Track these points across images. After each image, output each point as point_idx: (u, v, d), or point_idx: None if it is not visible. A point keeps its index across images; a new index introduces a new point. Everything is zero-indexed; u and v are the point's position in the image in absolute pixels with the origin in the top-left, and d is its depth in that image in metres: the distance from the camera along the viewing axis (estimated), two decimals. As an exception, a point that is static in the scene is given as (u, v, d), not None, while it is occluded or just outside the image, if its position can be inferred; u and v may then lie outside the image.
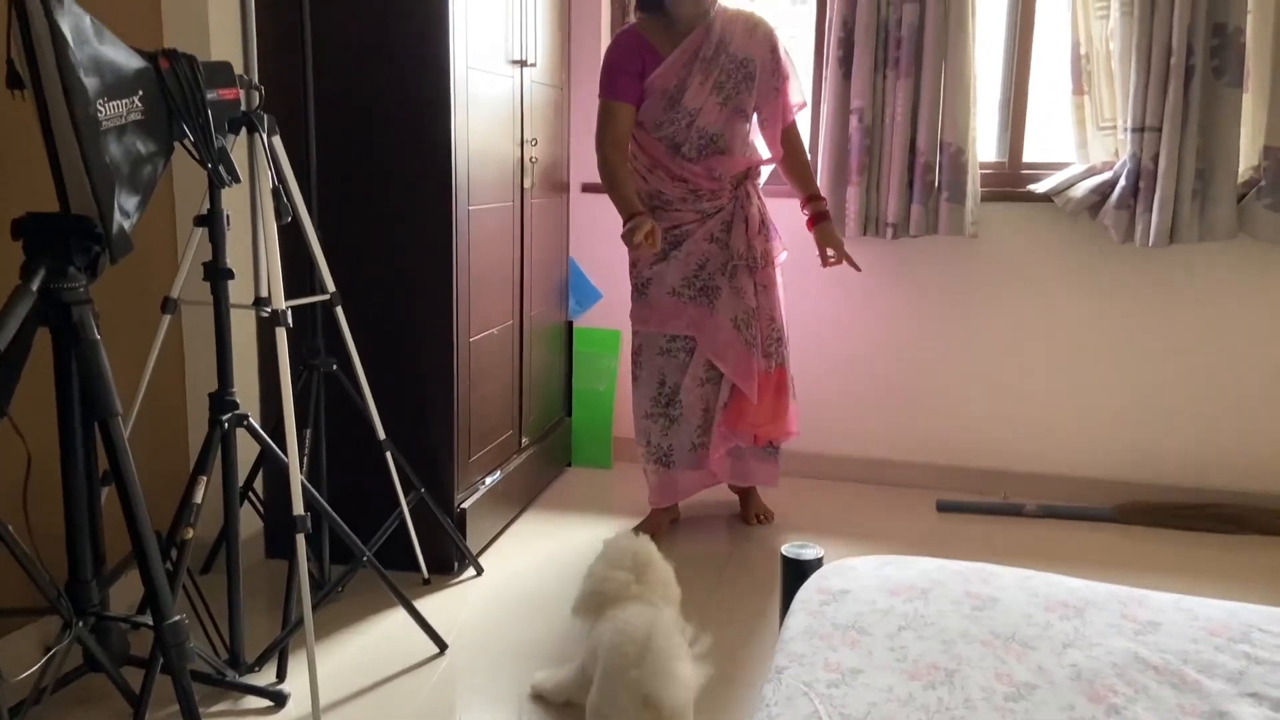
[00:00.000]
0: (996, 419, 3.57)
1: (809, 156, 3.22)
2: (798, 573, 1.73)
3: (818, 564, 1.74)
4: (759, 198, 3.09)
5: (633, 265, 3.09)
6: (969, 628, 1.46)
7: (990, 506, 3.44)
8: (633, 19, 3.06)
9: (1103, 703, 1.29)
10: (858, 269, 3.16)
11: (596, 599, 2.02)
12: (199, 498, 2.12)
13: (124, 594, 2.38)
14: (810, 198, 3.13)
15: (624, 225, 2.88)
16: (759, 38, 2.97)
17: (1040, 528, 3.30)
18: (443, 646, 2.43)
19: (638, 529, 3.14)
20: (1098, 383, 3.47)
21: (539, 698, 2.21)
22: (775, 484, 3.27)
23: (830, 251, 3.10)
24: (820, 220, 3.11)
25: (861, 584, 1.59)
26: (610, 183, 2.95)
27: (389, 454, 2.62)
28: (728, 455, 3.16)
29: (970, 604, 1.53)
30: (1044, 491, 3.53)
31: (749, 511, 3.30)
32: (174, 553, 2.13)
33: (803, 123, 3.22)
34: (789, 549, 1.78)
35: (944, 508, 3.45)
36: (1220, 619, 1.47)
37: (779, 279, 3.12)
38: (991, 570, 1.65)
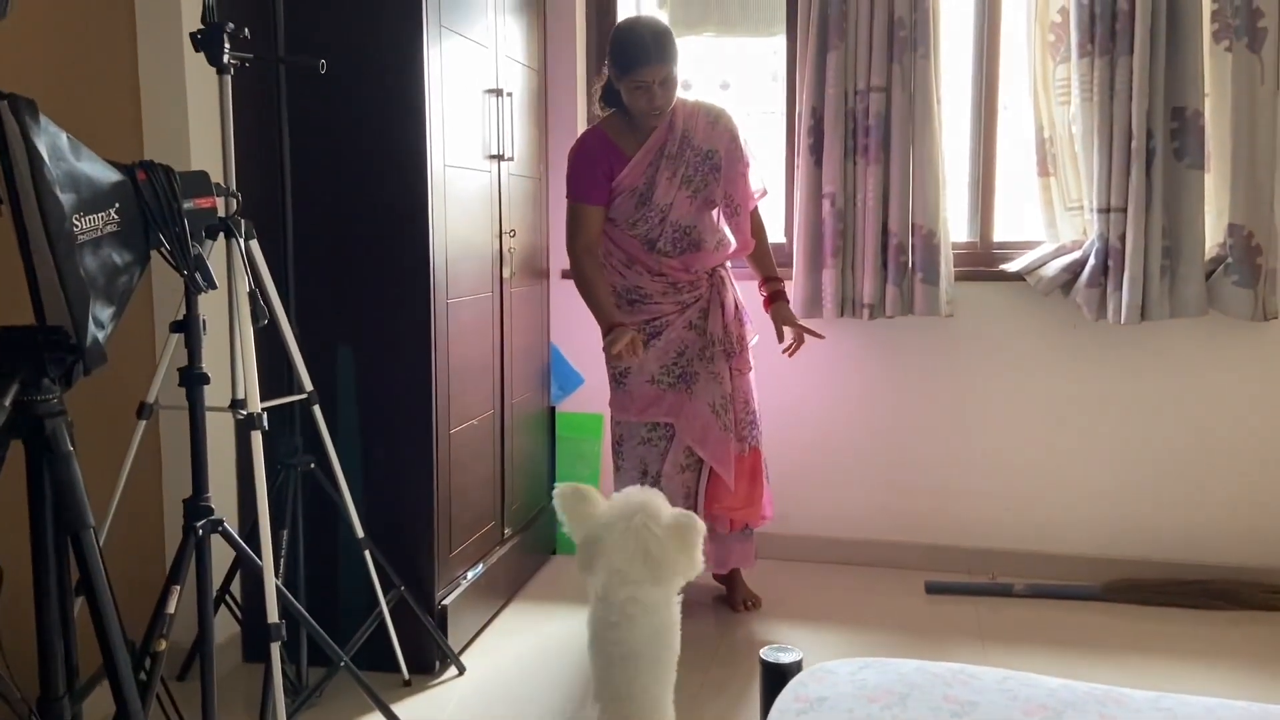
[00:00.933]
0: (981, 497, 3.57)
1: (784, 239, 3.28)
2: (776, 676, 1.71)
3: (797, 667, 1.73)
4: (732, 283, 3.14)
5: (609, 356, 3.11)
6: (949, 735, 1.44)
7: (979, 588, 3.42)
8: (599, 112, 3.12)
9: (1084, 815, 1.27)
10: (820, 337, 3.19)
11: (590, 547, 2.06)
12: (172, 608, 2.09)
13: (99, 706, 2.33)
14: (767, 279, 3.19)
15: (604, 336, 2.95)
16: (720, 129, 3.04)
17: (1029, 608, 3.27)
18: (423, 751, 2.39)
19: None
20: (1079, 459, 3.48)
21: None
22: (752, 564, 3.26)
23: (788, 334, 3.14)
24: (776, 300, 3.17)
25: (839, 691, 1.57)
26: (585, 291, 3.00)
27: (367, 552, 2.60)
28: (708, 542, 3.14)
29: (949, 709, 1.51)
30: (1032, 569, 3.51)
31: (735, 598, 3.27)
32: (148, 663, 2.09)
33: (777, 207, 3.29)
34: (767, 652, 1.76)
35: (933, 589, 3.43)
36: (1198, 718, 1.46)
37: (751, 363, 3.15)
38: (971, 672, 1.63)
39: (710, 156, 3.02)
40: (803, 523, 3.67)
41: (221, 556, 2.38)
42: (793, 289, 3.48)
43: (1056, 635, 3.05)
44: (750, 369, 3.15)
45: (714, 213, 3.06)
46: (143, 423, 2.32)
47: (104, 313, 1.97)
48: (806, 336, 3.15)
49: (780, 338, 3.17)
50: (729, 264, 3.19)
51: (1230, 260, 3.18)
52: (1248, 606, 3.23)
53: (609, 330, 2.95)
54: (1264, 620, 3.14)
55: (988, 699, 1.53)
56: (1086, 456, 3.48)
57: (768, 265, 3.21)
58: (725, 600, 3.30)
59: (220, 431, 2.73)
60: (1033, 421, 3.51)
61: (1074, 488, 3.50)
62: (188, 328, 2.15)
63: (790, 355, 3.19)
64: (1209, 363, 3.35)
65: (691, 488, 3.09)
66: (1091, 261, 3.25)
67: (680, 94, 3.02)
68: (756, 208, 3.17)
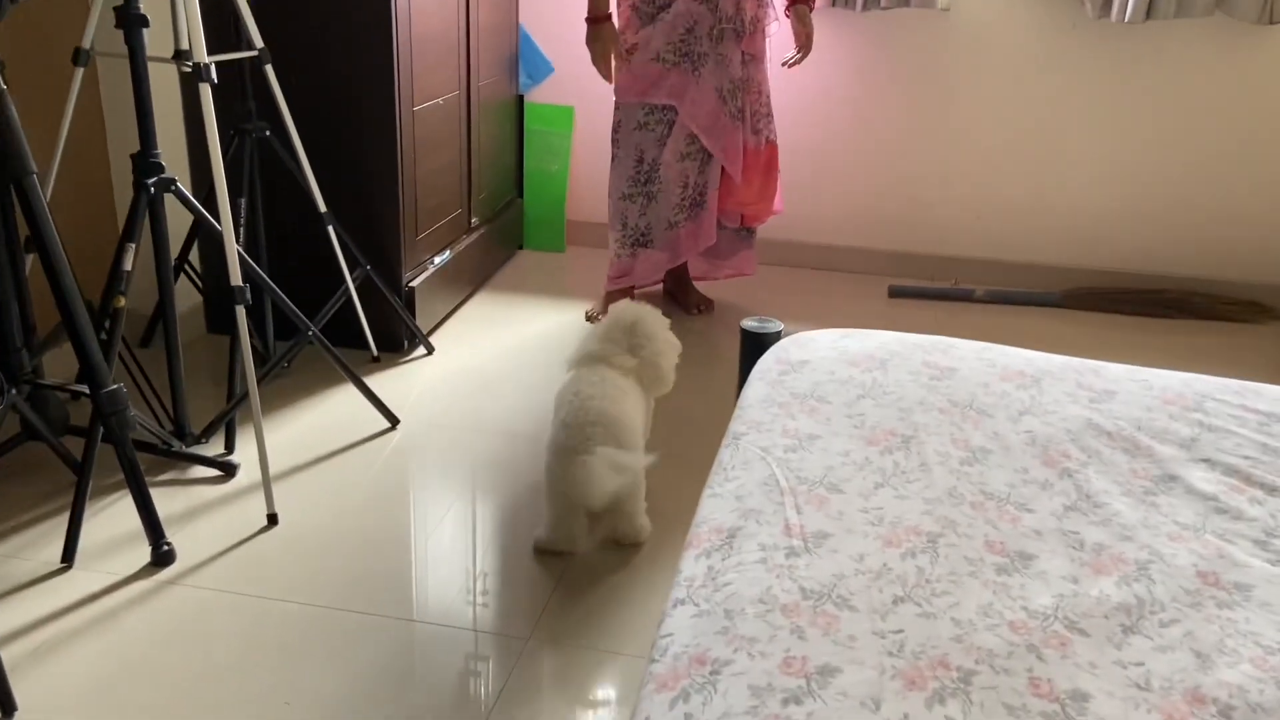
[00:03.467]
0: (952, 204, 3.53)
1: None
2: (757, 346, 1.70)
3: (777, 337, 1.72)
4: None
5: (620, 32, 2.90)
6: (926, 396, 1.46)
7: (940, 292, 3.45)
8: None
9: (1056, 467, 1.30)
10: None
11: (583, 358, 2.00)
12: (128, 264, 2.01)
13: (63, 369, 2.30)
14: None
15: (587, 26, 2.83)
16: None
17: (989, 313, 3.32)
18: (394, 421, 2.42)
19: (591, 315, 3.11)
20: (1059, 167, 3.42)
21: (544, 552, 1.99)
22: (753, 272, 3.22)
23: (795, 49, 2.96)
24: (800, 1, 2.94)
25: (821, 355, 1.57)
26: None
27: (331, 228, 2.51)
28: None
29: (928, 374, 1.52)
30: (995, 278, 3.54)
31: (689, 301, 3.23)
32: (107, 323, 2.04)
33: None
34: (749, 322, 1.74)
35: (895, 293, 3.45)
36: (1175, 389, 1.48)
37: (768, 51, 2.96)
38: (950, 343, 1.63)
39: None
40: (768, 224, 3.60)
41: (178, 227, 2.28)
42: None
43: (1014, 339, 3.04)
44: (765, 57, 2.96)
45: None
46: (80, 71, 2.13)
47: (22, -70, 1.75)
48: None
49: (798, 42, 2.97)
50: None
51: (1249, -44, 2.98)
52: (1205, 317, 3.30)
53: (592, 22, 2.83)
54: (1220, 330, 3.23)
55: (967, 366, 1.54)
56: (1066, 164, 3.41)
57: None
58: (677, 303, 3.27)
59: (164, 90, 2.54)
60: (1018, 127, 3.40)
61: (1048, 196, 3.46)
62: (120, -40, 1.93)
63: (789, 66, 3.01)
64: (1208, 67, 3.22)
65: (690, 178, 2.97)
66: (1104, -48, 3.03)
67: None
68: None
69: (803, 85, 3.45)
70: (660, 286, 3.31)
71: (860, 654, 0.98)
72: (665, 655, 1.01)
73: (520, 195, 3.73)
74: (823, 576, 1.09)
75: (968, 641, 0.99)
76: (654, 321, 2.06)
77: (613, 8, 2.87)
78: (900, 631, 1.01)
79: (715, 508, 1.25)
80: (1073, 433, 1.37)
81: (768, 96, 3.00)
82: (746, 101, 2.93)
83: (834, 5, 3.26)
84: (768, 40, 2.96)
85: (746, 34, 2.87)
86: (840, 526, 1.18)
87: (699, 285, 3.26)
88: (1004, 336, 3.06)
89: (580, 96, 3.59)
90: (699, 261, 3.18)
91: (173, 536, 1.92)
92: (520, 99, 3.64)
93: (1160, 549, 1.15)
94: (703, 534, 1.20)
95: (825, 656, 0.97)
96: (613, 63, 2.88)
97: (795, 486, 1.26)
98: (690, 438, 2.41)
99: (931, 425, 1.39)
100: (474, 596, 1.85)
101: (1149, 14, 3.03)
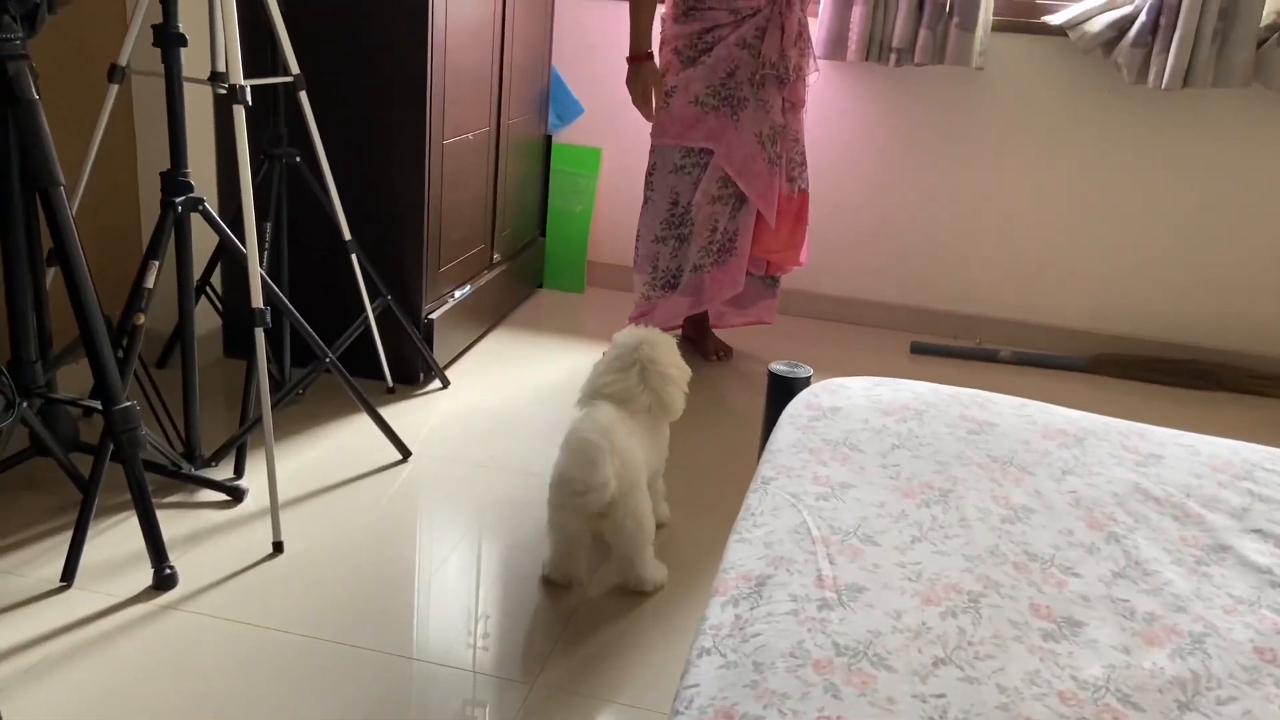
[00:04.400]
0: (980, 262, 3.49)
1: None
2: (785, 390, 1.65)
3: (806, 383, 1.67)
4: (801, 8, 2.86)
5: (661, 73, 2.90)
6: (965, 450, 1.41)
7: (964, 351, 3.40)
8: None
9: (1102, 530, 1.25)
10: None
11: (590, 394, 1.95)
12: (151, 282, 1.98)
13: (76, 384, 2.27)
14: None
15: (628, 65, 2.87)
16: None
17: (1014, 374, 3.27)
18: (406, 454, 2.37)
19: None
20: (1086, 230, 3.39)
21: (550, 582, 1.96)
22: (773, 320, 3.18)
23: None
24: None
25: (853, 402, 1.52)
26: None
27: (354, 256, 2.49)
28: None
29: (966, 427, 1.47)
30: (1020, 339, 3.49)
31: (707, 347, 3.19)
32: (125, 340, 2.01)
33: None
34: (778, 366, 1.70)
35: (918, 349, 3.40)
36: (1223, 456, 1.43)
37: (806, 100, 2.95)
38: (988, 396, 1.59)
39: None
40: (791, 274, 3.57)
41: (201, 248, 2.26)
42: (816, 27, 3.23)
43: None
44: (804, 105, 2.95)
45: None
46: (114, 87, 2.12)
47: (68, -57, 1.75)
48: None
49: None
50: None
51: (1288, 29, 2.97)
52: (1230, 389, 3.24)
53: (633, 60, 2.85)
54: (1245, 403, 3.17)
55: (1006, 421, 1.49)
56: (1096, 228, 3.38)
57: None
58: (696, 350, 3.22)
59: (198, 112, 2.54)
60: (1048, 188, 3.38)
61: (1076, 259, 3.42)
62: (163, -22, 1.93)
63: None
64: (1243, 138, 3.20)
65: (720, 223, 2.94)
66: (1142, 18, 3.02)
67: None
68: None
69: (834, 137, 3.44)
70: (679, 331, 3.27)
71: (900, 718, 0.92)
72: (690, 707, 0.95)
73: (543, 234, 3.71)
74: (858, 632, 1.03)
75: (1015, 711, 0.93)
76: (659, 345, 1.98)
77: (654, 47, 2.87)
78: (942, 696, 0.95)
79: (743, 554, 1.19)
80: (1119, 496, 1.32)
81: (803, 145, 2.99)
82: (784, 150, 2.92)
83: (867, 60, 3.26)
84: (807, 89, 2.95)
85: (789, 81, 2.86)
86: (875, 580, 1.13)
87: (716, 332, 3.23)
88: (1030, 399, 3.02)
89: (608, 139, 3.59)
90: (718, 306, 3.14)
91: (176, 560, 1.87)
92: (548, 138, 3.64)
93: (1215, 622, 1.09)
94: (730, 580, 1.15)
95: (863, 719, 0.91)
96: (653, 102, 2.88)
97: (828, 536, 1.20)
98: (707, 484, 2.36)
99: (970, 480, 1.33)
100: (475, 638, 1.78)
101: (1186, 81, 3.01)
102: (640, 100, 2.88)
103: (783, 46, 2.81)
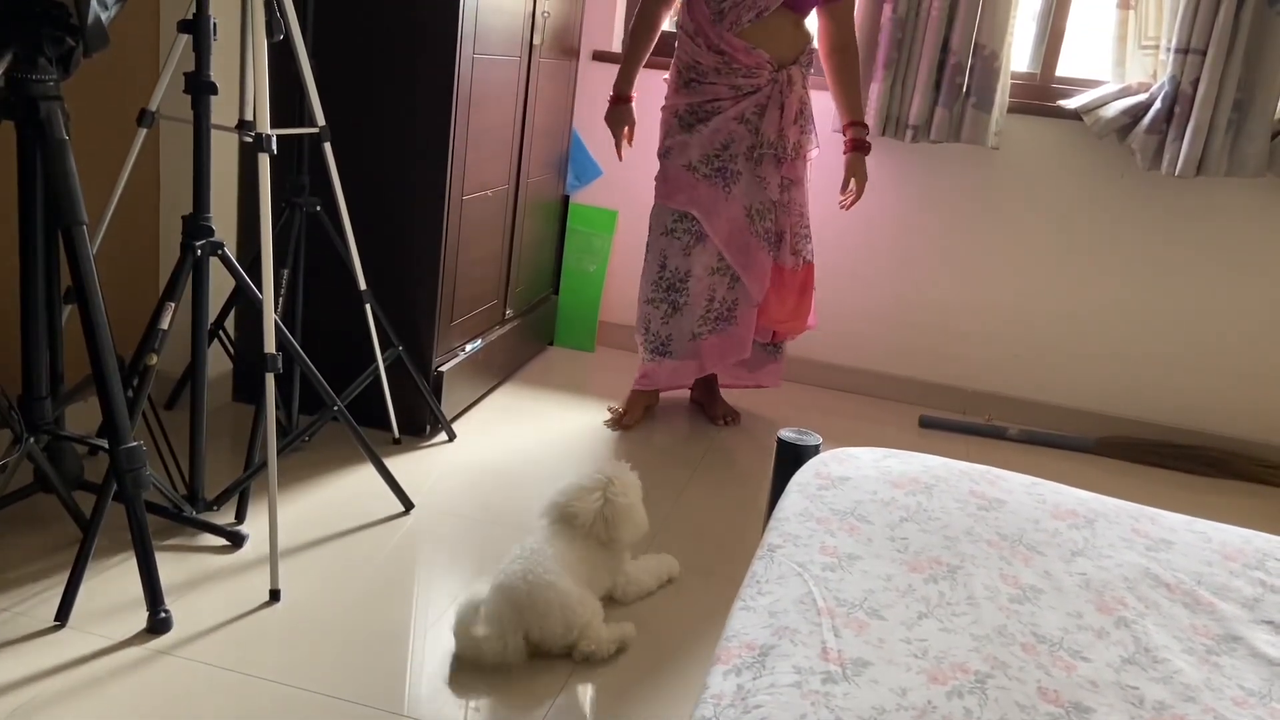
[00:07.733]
0: (988, 339, 3.50)
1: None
2: (794, 458, 1.64)
3: (815, 451, 1.66)
4: (804, 86, 2.91)
5: (662, 134, 2.96)
6: (974, 526, 1.39)
7: (973, 427, 3.38)
8: None
9: (1112, 614, 1.23)
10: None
11: (555, 510, 2.00)
12: (166, 324, 2.00)
13: (84, 421, 2.27)
14: (852, 123, 2.98)
15: (609, 107, 3.08)
16: None
17: (1020, 453, 3.25)
18: (409, 506, 2.36)
19: (613, 410, 3.07)
20: (1097, 312, 3.40)
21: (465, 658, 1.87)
22: (778, 384, 3.19)
23: (853, 185, 2.99)
24: (857, 149, 2.98)
25: (863, 473, 1.51)
26: (629, 43, 2.99)
27: (369, 306, 2.51)
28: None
29: (975, 503, 1.46)
30: (1027, 417, 3.48)
31: (715, 412, 3.19)
32: (135, 380, 2.02)
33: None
34: (786, 433, 1.69)
35: (926, 423, 3.39)
36: (1234, 544, 1.41)
37: (808, 175, 2.98)
38: (998, 473, 1.58)
39: None
40: (801, 344, 3.57)
41: (217, 293, 2.28)
42: (835, 101, 3.28)
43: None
44: (805, 180, 2.98)
45: (795, 12, 2.82)
46: (143, 131, 2.16)
47: (109, -10, 1.79)
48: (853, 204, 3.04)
49: (844, 186, 3.00)
50: (809, 67, 2.95)
51: (1301, 122, 3.00)
52: (1237, 476, 3.22)
53: (613, 101, 3.06)
54: (1252, 491, 3.14)
55: (1015, 499, 1.48)
56: (1107, 309, 3.39)
57: (853, 100, 2.95)
58: (704, 413, 3.23)
59: (222, 158, 2.58)
60: (1060, 269, 3.39)
61: (1087, 341, 3.42)
62: (197, 28, 1.97)
63: (846, 208, 3.04)
64: (1256, 226, 3.22)
65: (719, 293, 2.95)
66: (1156, 106, 3.06)
67: None
68: (848, 12, 2.91)
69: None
70: (688, 395, 3.28)
71: (903, 799, 0.89)
72: (689, 780, 0.93)
73: (556, 292, 3.73)
74: (862, 709, 1.01)
75: (1021, 796, 0.91)
76: (630, 486, 2.04)
77: (634, 91, 3.05)
78: (947, 778, 0.93)
79: (747, 622, 1.18)
80: (1129, 580, 1.30)
81: (808, 219, 3.01)
82: (787, 224, 2.94)
83: (884, 135, 3.30)
84: (809, 165, 2.99)
85: (788, 160, 2.90)
86: (881, 655, 1.11)
87: (723, 391, 3.23)
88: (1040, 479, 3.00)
89: (625, 201, 3.63)
90: (723, 369, 3.14)
91: (172, 604, 1.85)
92: (566, 199, 3.68)
93: (1225, 714, 1.07)
94: (733, 649, 1.13)
95: (865, 798, 0.89)
96: (623, 144, 3.09)
97: (834, 608, 1.19)
98: (712, 550, 2.34)
99: (979, 557, 1.32)
100: (468, 698, 1.75)
101: (1199, 170, 3.04)
102: (617, 137, 3.08)
103: (781, 125, 2.85)
